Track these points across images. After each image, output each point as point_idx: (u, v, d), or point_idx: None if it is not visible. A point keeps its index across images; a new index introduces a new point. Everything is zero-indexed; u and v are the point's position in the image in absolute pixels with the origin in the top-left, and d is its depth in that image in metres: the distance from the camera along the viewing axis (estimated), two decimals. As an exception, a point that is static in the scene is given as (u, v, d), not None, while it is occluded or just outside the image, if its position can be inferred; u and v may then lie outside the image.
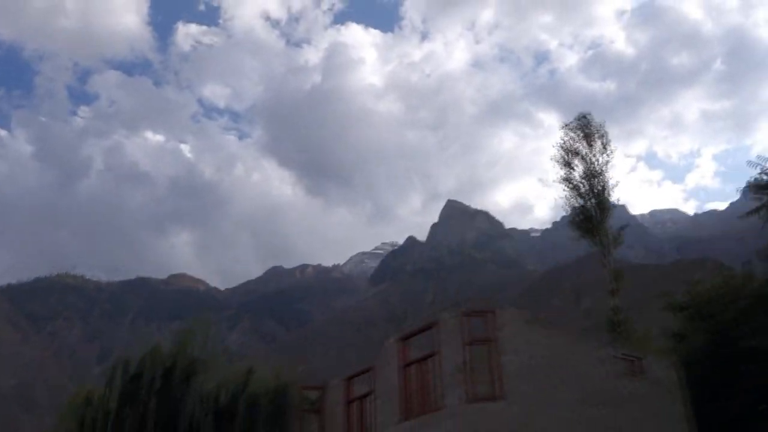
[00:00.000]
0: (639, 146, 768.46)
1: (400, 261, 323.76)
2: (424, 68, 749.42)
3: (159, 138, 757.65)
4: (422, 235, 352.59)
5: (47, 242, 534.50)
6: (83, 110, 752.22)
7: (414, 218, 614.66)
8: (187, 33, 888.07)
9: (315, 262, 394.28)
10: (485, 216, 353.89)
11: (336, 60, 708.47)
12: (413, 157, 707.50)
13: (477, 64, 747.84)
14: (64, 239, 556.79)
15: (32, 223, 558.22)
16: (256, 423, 19.45)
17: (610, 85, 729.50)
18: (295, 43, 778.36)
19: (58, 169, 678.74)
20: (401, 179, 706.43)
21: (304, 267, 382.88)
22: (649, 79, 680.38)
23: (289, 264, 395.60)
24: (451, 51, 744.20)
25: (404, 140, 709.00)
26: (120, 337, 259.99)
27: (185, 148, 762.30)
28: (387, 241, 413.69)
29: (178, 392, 19.08)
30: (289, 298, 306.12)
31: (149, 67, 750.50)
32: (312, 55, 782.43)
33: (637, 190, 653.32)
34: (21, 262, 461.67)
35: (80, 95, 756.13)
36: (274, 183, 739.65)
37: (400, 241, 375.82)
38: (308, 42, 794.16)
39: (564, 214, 33.88)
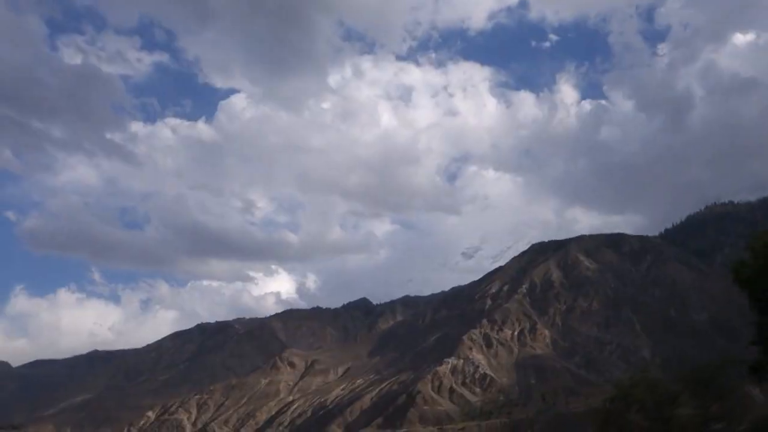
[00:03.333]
0: None
1: None
2: None
3: (749, 37, 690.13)
4: None
5: (678, 181, 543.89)
6: (662, 48, 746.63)
7: None
8: None
9: None
10: None
11: None
12: None
13: None
14: (692, 173, 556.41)
15: (658, 167, 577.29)
16: None
17: None
18: None
19: (663, 111, 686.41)
20: None
21: None
22: None
23: None
24: None
25: None
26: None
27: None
28: None
29: None
30: None
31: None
32: None
33: None
34: (668, 206, 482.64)
35: (653, 35, 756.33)
36: None
37: None
38: None
39: None
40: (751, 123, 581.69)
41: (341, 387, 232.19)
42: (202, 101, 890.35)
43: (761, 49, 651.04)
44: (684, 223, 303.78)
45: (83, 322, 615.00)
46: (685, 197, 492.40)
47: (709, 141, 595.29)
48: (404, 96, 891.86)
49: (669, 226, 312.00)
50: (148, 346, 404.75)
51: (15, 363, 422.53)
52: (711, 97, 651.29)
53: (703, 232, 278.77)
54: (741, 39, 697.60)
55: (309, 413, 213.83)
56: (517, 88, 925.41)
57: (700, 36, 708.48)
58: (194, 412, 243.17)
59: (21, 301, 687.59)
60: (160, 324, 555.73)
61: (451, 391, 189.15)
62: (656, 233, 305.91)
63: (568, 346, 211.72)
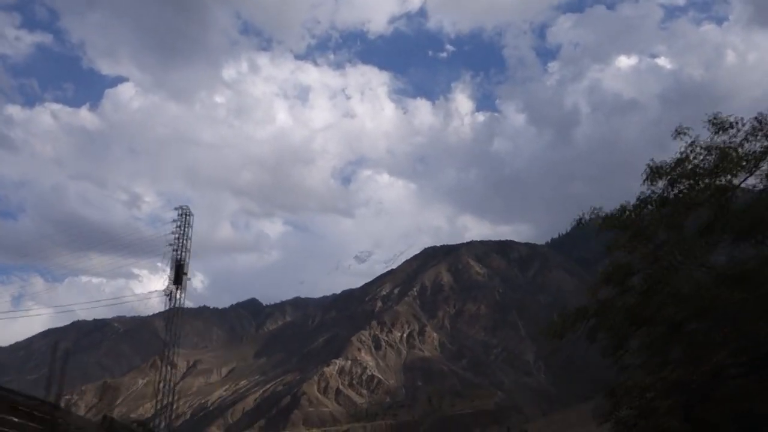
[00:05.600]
0: None
1: None
2: None
3: (632, 60, 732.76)
4: None
5: (564, 194, 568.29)
6: (553, 65, 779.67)
7: None
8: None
9: None
10: None
11: None
12: None
13: None
14: (577, 188, 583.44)
15: (546, 180, 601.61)
16: None
17: None
18: None
19: (552, 126, 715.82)
20: None
21: None
22: None
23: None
24: None
25: None
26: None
27: (662, 61, 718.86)
28: None
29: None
30: None
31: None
32: None
33: None
34: (554, 217, 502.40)
35: (545, 51, 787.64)
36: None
37: None
38: None
39: None
40: (630, 142, 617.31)
41: (224, 388, 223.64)
42: (87, 87, 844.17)
43: (642, 73, 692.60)
44: (569, 234, 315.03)
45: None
46: (569, 209, 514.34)
47: (592, 157, 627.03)
48: (301, 95, 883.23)
49: (555, 236, 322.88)
50: (16, 343, 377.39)
51: None
52: (595, 116, 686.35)
53: (586, 243, 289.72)
54: (624, 62, 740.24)
55: (188, 415, 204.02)
56: (414, 95, 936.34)
57: (588, 56, 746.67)
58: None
59: None
60: (33, 321, 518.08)
61: (338, 392, 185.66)
62: (543, 242, 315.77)
63: (455, 349, 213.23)
